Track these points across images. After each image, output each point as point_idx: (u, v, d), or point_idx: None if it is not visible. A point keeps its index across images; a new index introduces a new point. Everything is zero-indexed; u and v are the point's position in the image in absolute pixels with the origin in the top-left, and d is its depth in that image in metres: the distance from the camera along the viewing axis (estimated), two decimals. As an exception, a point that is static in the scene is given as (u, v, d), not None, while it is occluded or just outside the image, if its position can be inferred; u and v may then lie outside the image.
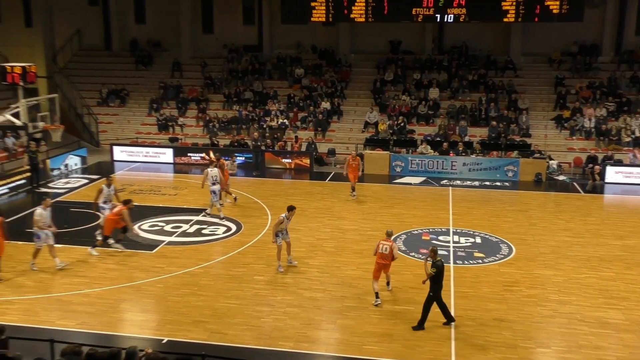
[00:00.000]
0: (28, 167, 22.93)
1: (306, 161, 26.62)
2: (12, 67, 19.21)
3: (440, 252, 16.11)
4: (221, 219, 18.98)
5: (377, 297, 13.27)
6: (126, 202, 16.32)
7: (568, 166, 26.17)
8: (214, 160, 20.87)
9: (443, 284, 12.13)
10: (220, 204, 19.51)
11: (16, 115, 19.41)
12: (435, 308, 12.11)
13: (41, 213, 15.05)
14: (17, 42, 33.60)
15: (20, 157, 25.49)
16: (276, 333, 11.99)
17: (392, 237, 14.17)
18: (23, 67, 19.10)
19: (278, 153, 27.19)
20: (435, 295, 12.04)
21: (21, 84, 19.25)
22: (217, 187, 19.12)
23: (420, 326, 12.08)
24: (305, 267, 15.28)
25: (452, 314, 12.47)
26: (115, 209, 16.25)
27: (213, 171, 19.23)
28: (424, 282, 12.23)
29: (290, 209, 15.21)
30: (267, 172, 26.07)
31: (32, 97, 20.92)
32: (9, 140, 27.15)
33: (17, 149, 26.93)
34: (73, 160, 26.27)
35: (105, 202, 16.85)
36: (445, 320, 12.27)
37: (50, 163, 24.93)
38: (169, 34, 34.91)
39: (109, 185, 17.06)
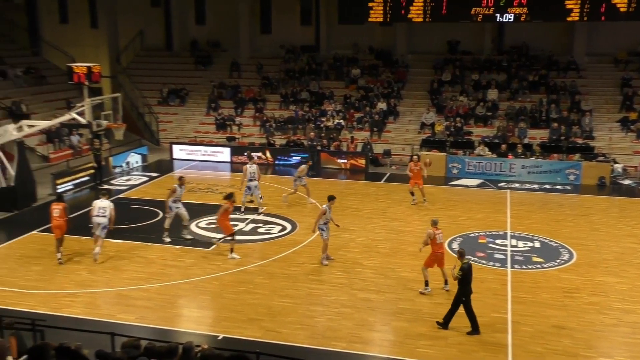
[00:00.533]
0: (95, 165, 23.67)
1: (362, 162, 26.54)
2: (78, 66, 19.82)
3: (497, 255, 15.99)
4: (241, 212, 19.43)
5: (426, 285, 13.49)
6: (228, 197, 16.11)
7: (634, 170, 25.23)
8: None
9: (472, 287, 11.96)
10: (260, 199, 19.92)
11: (81, 114, 20.02)
12: (462, 309, 11.95)
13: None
14: (83, 43, 34.70)
15: (85, 155, 26.38)
16: (329, 333, 12.01)
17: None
18: (88, 67, 19.65)
19: (333, 153, 27.23)
20: (468, 298, 11.88)
21: (86, 83, 19.82)
22: (253, 183, 19.58)
23: (474, 331, 11.87)
24: (360, 268, 15.24)
25: (509, 319, 12.20)
26: (222, 209, 15.90)
27: (252, 167, 19.69)
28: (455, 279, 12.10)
29: (331, 198, 15.48)
30: (323, 172, 26.12)
31: (96, 96, 21.53)
32: (75, 138, 28.16)
33: (82, 146, 27.89)
34: (134, 158, 27.00)
35: (175, 202, 16.94)
36: (442, 321, 12.11)
37: (112, 160, 25.72)
38: (228, 35, 35.41)
39: (181, 185, 17.16)
